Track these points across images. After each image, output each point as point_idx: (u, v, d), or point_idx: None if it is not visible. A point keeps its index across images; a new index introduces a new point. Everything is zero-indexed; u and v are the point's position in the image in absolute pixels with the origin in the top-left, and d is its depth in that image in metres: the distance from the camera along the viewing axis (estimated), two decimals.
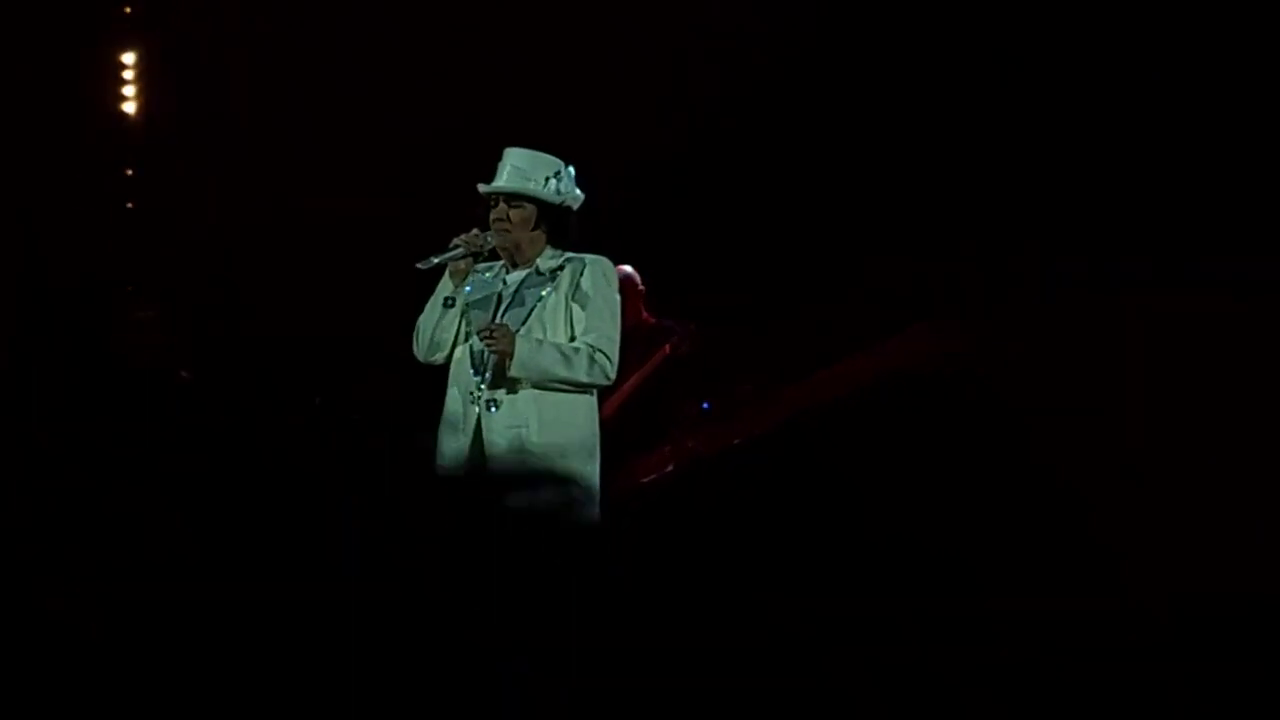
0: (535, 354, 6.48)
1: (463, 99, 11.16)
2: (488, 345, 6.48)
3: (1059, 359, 9.17)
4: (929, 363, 9.23)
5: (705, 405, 9.42)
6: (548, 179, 6.68)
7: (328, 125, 11.40)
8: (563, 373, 6.50)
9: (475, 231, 6.65)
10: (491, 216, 6.68)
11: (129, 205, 12.33)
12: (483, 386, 6.54)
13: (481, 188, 6.71)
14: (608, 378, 6.59)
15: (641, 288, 9.01)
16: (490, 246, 6.67)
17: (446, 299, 6.64)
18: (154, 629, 7.93)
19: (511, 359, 6.45)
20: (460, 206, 6.91)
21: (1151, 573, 8.55)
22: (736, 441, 9.22)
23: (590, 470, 6.59)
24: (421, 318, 6.73)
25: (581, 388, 6.56)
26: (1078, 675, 7.39)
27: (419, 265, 6.57)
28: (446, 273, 6.66)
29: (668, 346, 9.06)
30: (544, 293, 6.63)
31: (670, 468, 9.00)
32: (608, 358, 6.55)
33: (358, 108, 11.39)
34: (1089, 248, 9.60)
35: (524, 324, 6.58)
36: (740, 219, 10.59)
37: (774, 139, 10.69)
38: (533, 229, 6.69)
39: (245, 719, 7.18)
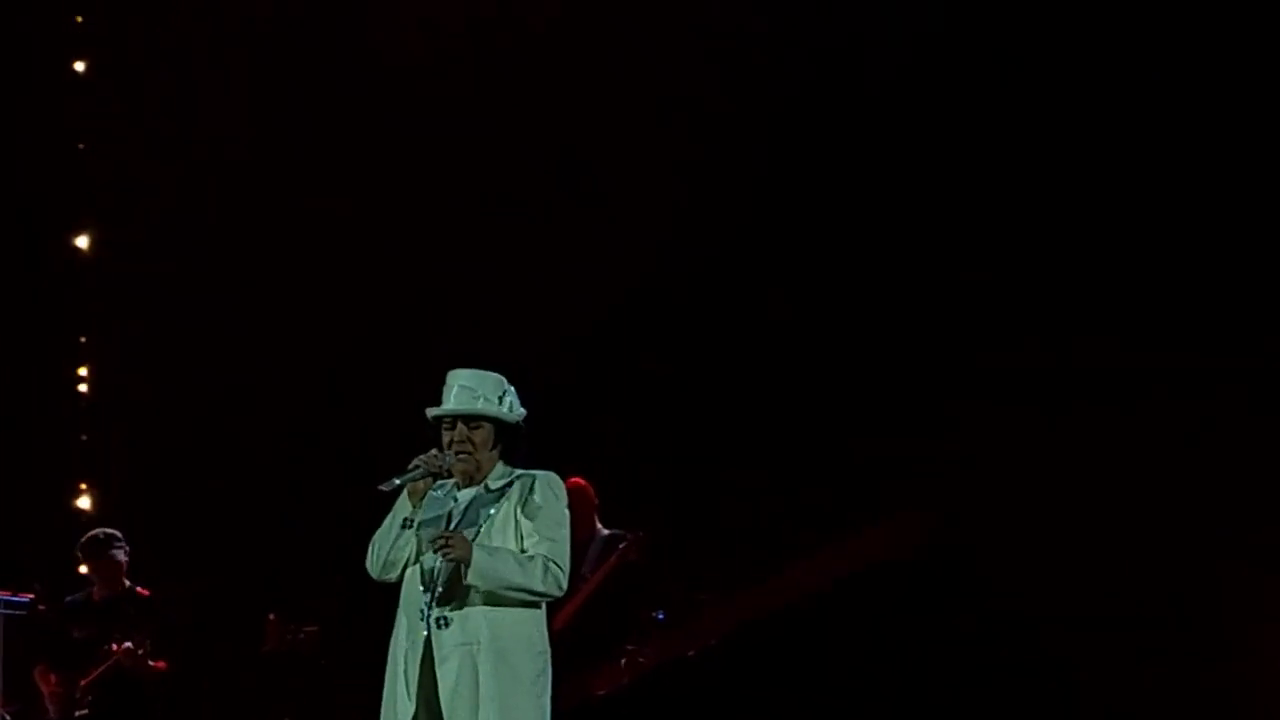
0: (492, 560, 6.45)
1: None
2: (444, 553, 6.44)
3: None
4: (883, 562, 9.24)
5: (660, 615, 9.40)
6: (501, 397, 6.71)
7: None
8: (519, 580, 6.47)
9: (434, 452, 6.64)
10: (451, 439, 6.67)
11: None
12: (433, 604, 6.51)
13: (437, 411, 6.71)
14: (560, 588, 6.55)
15: (594, 500, 9.05)
16: (449, 466, 6.66)
17: (406, 520, 6.61)
18: None
19: (469, 566, 6.43)
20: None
21: None
22: (691, 653, 9.19)
23: (541, 687, 6.53)
24: (378, 535, 6.69)
25: (535, 596, 6.52)
26: None
27: (381, 487, 6.56)
28: (404, 493, 6.63)
29: (617, 555, 9.08)
30: (493, 509, 6.62)
31: (625, 680, 8.97)
32: (560, 569, 6.53)
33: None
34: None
35: (475, 539, 6.55)
36: (692, 426, 10.61)
37: (713, 333, 10.73)
38: (491, 449, 6.71)
39: None
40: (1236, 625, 8.88)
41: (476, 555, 6.43)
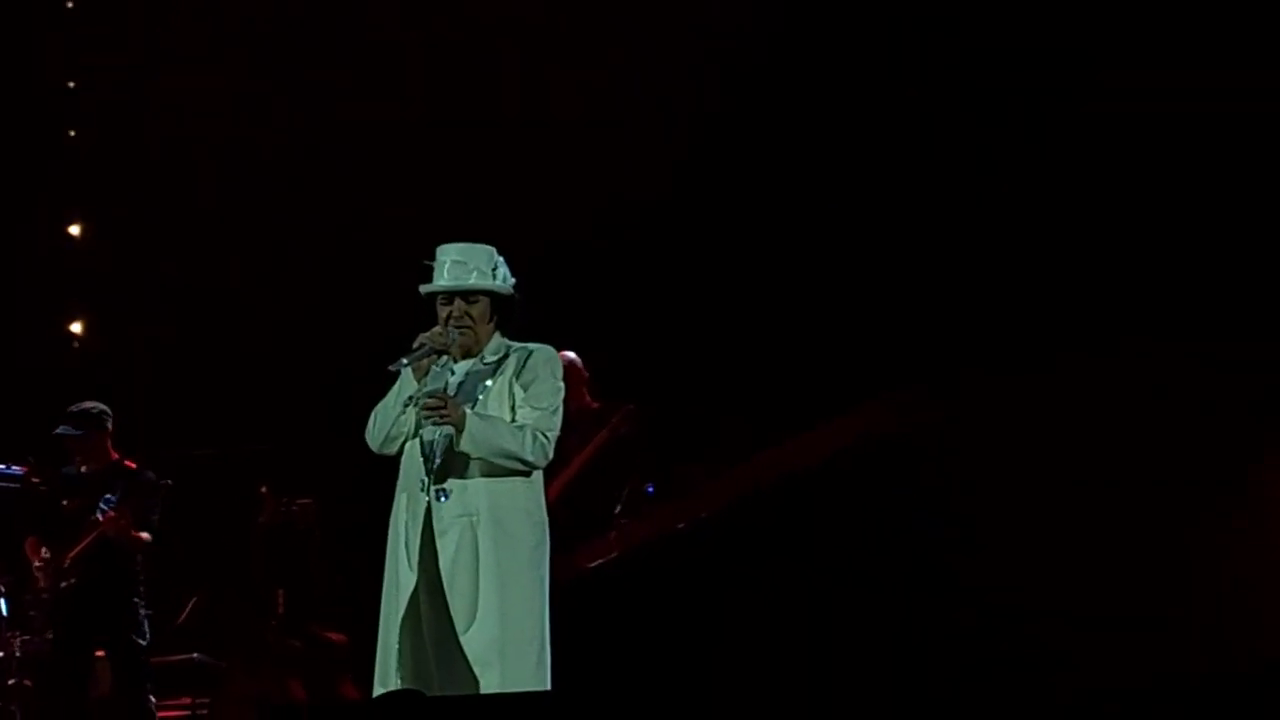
0: (484, 426, 6.51)
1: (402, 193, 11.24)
2: (437, 417, 6.49)
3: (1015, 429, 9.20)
4: (880, 439, 9.26)
5: (650, 489, 9.44)
6: (494, 269, 6.73)
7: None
8: (511, 446, 6.53)
9: (438, 329, 6.68)
10: (449, 315, 6.70)
11: None
12: (432, 477, 6.56)
13: (431, 287, 6.73)
14: (546, 457, 6.62)
15: (585, 374, 9.08)
16: (455, 342, 6.69)
17: (411, 398, 6.65)
18: None
19: (461, 432, 6.48)
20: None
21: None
22: (681, 525, 9.23)
23: (539, 557, 6.62)
24: (380, 407, 6.74)
25: (524, 465, 6.58)
26: None
27: (391, 368, 6.60)
28: (409, 371, 6.67)
29: (608, 428, 9.12)
30: (488, 381, 6.67)
31: (615, 553, 9.02)
32: (548, 439, 6.59)
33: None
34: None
35: (471, 409, 6.60)
36: (686, 300, 10.62)
37: (715, 218, 10.72)
38: (488, 322, 6.75)
39: None
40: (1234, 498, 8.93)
41: (469, 420, 6.49)
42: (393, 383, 6.72)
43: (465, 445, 6.49)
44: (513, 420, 6.62)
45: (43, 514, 9.66)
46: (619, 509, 9.16)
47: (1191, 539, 8.59)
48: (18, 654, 9.85)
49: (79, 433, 9.61)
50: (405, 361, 6.59)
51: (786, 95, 10.47)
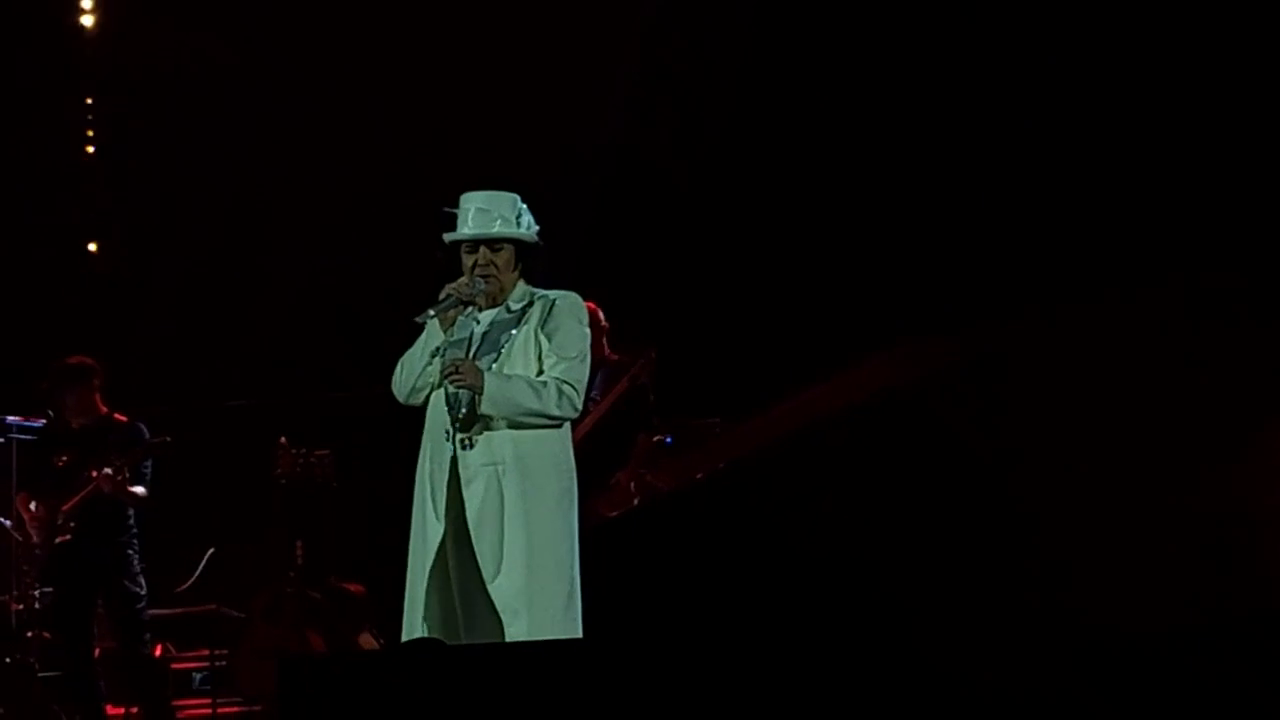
0: (504, 387, 6.48)
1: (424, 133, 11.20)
2: (454, 382, 6.47)
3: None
4: (896, 392, 9.26)
5: (668, 440, 9.45)
6: (518, 217, 6.70)
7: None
8: (534, 405, 6.50)
9: (464, 280, 6.64)
10: (474, 263, 6.66)
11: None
12: (457, 426, 6.53)
13: (455, 236, 6.69)
14: (575, 409, 6.59)
15: (605, 323, 9.08)
16: (481, 292, 6.66)
17: (437, 349, 6.62)
18: None
19: (481, 394, 6.46)
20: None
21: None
22: (699, 476, 9.24)
23: (567, 505, 6.61)
24: (406, 357, 6.71)
25: (551, 420, 6.56)
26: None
27: (417, 319, 6.57)
28: (435, 321, 6.65)
29: (628, 378, 9.12)
30: (514, 330, 6.63)
31: (635, 502, 9.03)
32: (575, 390, 6.56)
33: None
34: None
35: (496, 361, 6.58)
36: (707, 252, 10.60)
37: (734, 170, 10.70)
38: (513, 270, 6.71)
39: None
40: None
41: (488, 383, 6.46)
42: (418, 333, 6.70)
43: (486, 408, 6.46)
44: (539, 371, 6.59)
45: (32, 468, 9.67)
46: (634, 458, 9.18)
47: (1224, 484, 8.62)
48: (37, 606, 9.88)
49: (66, 387, 9.61)
50: (431, 313, 6.56)
51: (807, 41, 10.42)
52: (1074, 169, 9.71)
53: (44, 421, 9.93)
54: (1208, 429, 8.70)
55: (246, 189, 11.66)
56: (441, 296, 6.60)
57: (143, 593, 9.53)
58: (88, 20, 12.18)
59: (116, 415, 9.64)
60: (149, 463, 9.52)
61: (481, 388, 6.45)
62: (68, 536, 9.43)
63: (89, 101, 12.34)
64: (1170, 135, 9.46)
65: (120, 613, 9.50)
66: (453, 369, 6.46)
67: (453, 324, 6.64)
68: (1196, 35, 9.49)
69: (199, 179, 11.76)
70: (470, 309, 6.70)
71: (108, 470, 9.20)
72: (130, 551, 9.50)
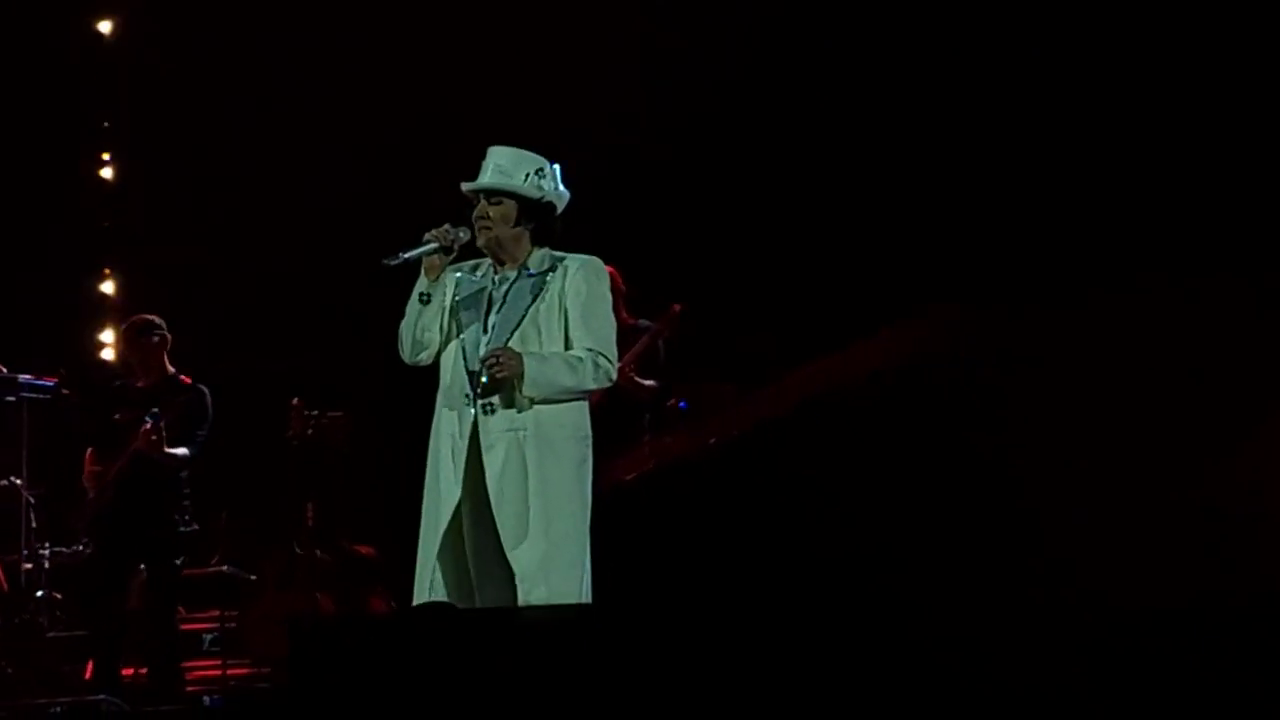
0: (544, 370, 6.41)
1: (443, 94, 11.13)
2: (496, 373, 6.39)
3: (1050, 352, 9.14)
4: (912, 359, 9.22)
5: (683, 404, 9.42)
6: (528, 175, 6.61)
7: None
8: (571, 383, 6.45)
9: (446, 226, 6.58)
10: (474, 215, 6.62)
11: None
12: (479, 390, 6.47)
13: (464, 186, 6.66)
14: (610, 379, 6.56)
15: (622, 287, 9.02)
16: (463, 241, 6.59)
17: (422, 295, 6.56)
18: None
19: (522, 380, 6.40)
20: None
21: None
22: (714, 440, 9.21)
23: (585, 472, 6.55)
24: (403, 321, 6.65)
25: (589, 394, 6.54)
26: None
27: (386, 261, 6.49)
28: (422, 269, 6.59)
29: (650, 334, 9.09)
30: (535, 295, 6.56)
31: (651, 465, 9.00)
32: (609, 360, 6.52)
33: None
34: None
35: (517, 328, 6.52)
36: (723, 218, 10.56)
37: (752, 138, 10.65)
38: (514, 226, 6.62)
39: None
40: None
41: (529, 368, 6.39)
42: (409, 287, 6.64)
43: (528, 390, 6.41)
44: (565, 340, 6.53)
45: (97, 426, 9.62)
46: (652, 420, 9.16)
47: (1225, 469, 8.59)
48: (46, 566, 9.85)
49: (133, 345, 9.58)
50: (404, 255, 6.49)
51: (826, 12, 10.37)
52: (1087, 161, 9.66)
53: (54, 381, 9.90)
54: (1210, 422, 8.67)
55: (258, 152, 11.60)
56: (423, 240, 6.54)
57: (179, 561, 9.45)
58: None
59: (182, 377, 9.60)
60: (204, 425, 9.45)
61: (523, 374, 6.39)
62: (111, 495, 9.38)
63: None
64: (1184, 131, 9.41)
65: (156, 579, 9.43)
66: (494, 360, 6.39)
67: (439, 272, 6.57)
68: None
69: (207, 156, 11.71)
70: (484, 265, 6.65)
71: (147, 428, 9.16)
72: (176, 516, 9.40)
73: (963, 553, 8.63)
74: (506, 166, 6.62)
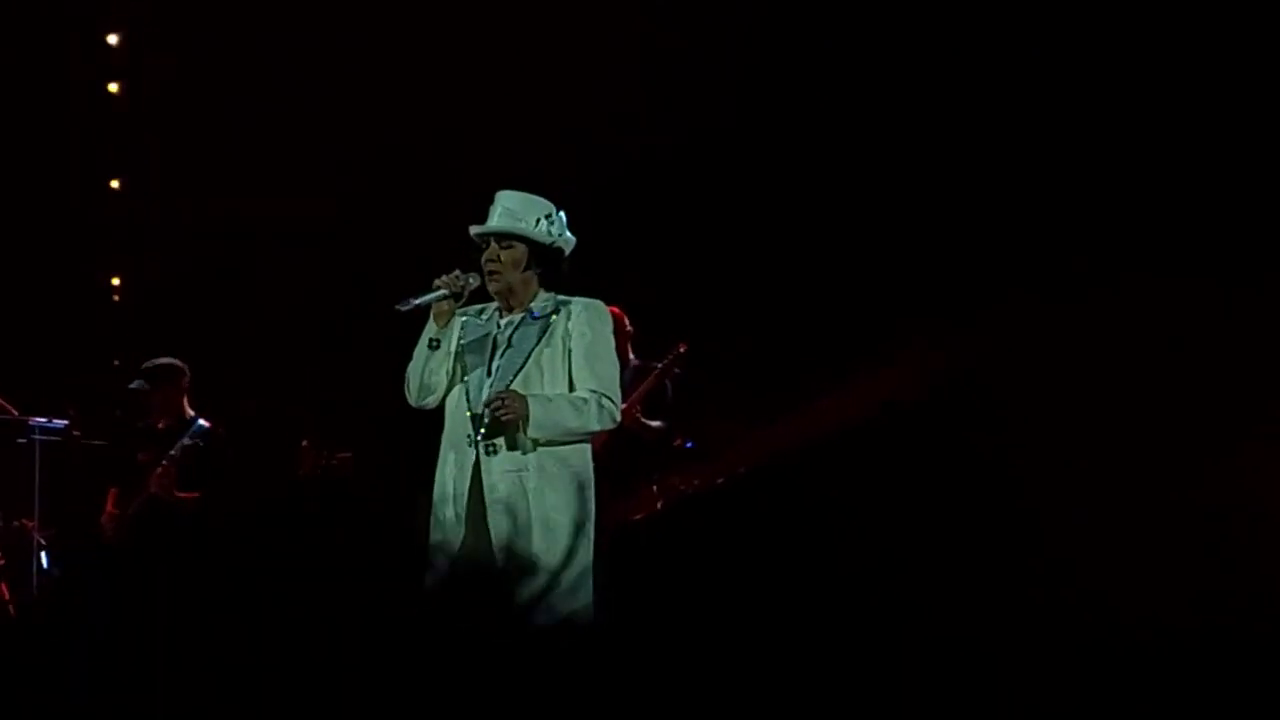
0: (549, 412, 6.45)
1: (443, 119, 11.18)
2: (501, 416, 6.42)
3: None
4: (916, 394, 9.27)
5: (689, 444, 9.47)
6: (539, 220, 6.66)
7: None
8: (575, 424, 6.49)
9: (456, 272, 6.62)
10: (483, 259, 6.67)
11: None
12: (482, 431, 6.52)
13: (473, 230, 6.73)
14: (614, 420, 6.58)
15: (629, 328, 9.09)
16: (473, 287, 6.62)
17: (431, 340, 6.61)
18: None
19: (527, 422, 6.44)
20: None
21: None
22: (720, 480, 9.26)
23: (586, 514, 6.58)
24: (410, 364, 6.69)
25: (593, 435, 6.58)
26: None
27: (398, 307, 6.53)
28: (430, 315, 6.65)
29: (658, 372, 9.14)
30: (540, 338, 6.61)
31: (659, 505, 9.04)
32: (614, 402, 6.55)
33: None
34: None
35: (521, 369, 6.56)
36: (725, 259, 10.60)
37: (752, 176, 10.69)
38: (524, 270, 6.67)
39: None
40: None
41: (533, 409, 6.42)
42: (423, 327, 6.69)
43: (533, 433, 6.44)
44: (569, 382, 6.58)
45: (118, 466, 9.66)
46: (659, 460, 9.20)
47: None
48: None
49: (152, 387, 9.64)
50: (414, 301, 6.54)
51: (833, 55, 10.42)
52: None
53: (65, 422, 9.95)
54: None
55: (257, 195, 11.64)
56: (432, 287, 6.58)
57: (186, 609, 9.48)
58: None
59: (202, 420, 9.65)
60: (222, 468, 9.50)
61: (528, 416, 6.43)
62: (127, 536, 9.43)
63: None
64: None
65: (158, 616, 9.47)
66: (499, 403, 6.43)
67: (448, 318, 6.62)
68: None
69: (213, 197, 11.75)
70: (489, 309, 6.70)
71: (158, 471, 9.22)
72: (187, 561, 9.44)
73: (976, 584, 8.69)
74: (517, 210, 6.66)
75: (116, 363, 11.20)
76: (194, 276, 11.95)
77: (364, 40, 11.21)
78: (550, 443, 6.50)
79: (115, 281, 12.41)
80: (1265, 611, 8.31)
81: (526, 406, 6.42)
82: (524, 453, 6.48)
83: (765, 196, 10.61)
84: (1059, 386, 9.21)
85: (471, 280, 6.62)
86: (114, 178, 12.32)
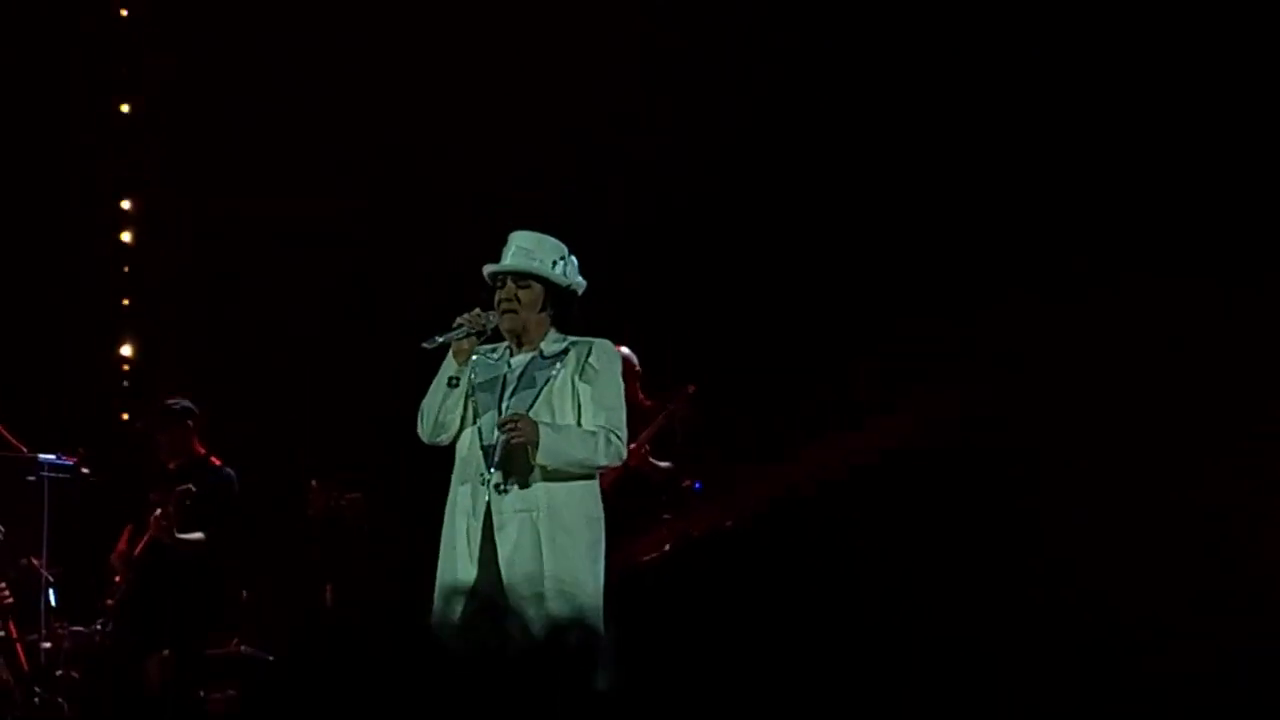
0: (558, 440, 6.50)
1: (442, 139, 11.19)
2: (511, 436, 6.47)
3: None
4: (922, 437, 9.26)
5: (697, 485, 9.46)
6: (555, 262, 6.73)
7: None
8: (583, 455, 6.54)
9: (478, 311, 6.68)
10: (499, 297, 6.72)
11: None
12: (493, 470, 6.56)
13: (489, 269, 6.76)
14: (621, 457, 6.64)
15: (638, 369, 9.09)
16: (494, 326, 6.69)
17: (451, 379, 6.65)
18: None
19: (536, 447, 6.47)
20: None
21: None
22: (729, 523, 9.25)
23: (596, 554, 6.63)
24: (426, 399, 6.74)
25: (599, 469, 6.61)
26: None
27: (424, 345, 6.60)
28: (450, 353, 6.68)
29: (664, 413, 9.14)
30: (549, 377, 6.65)
31: (667, 547, 9.04)
32: (620, 438, 6.60)
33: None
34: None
35: (531, 406, 6.61)
36: (733, 299, 10.59)
37: (761, 220, 10.68)
38: (539, 311, 6.73)
39: None
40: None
41: (543, 435, 6.48)
42: (435, 366, 6.72)
43: (541, 460, 6.49)
44: (578, 418, 6.60)
45: (136, 505, 9.69)
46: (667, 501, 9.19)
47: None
48: (66, 645, 9.88)
49: (162, 428, 9.66)
50: (439, 339, 6.60)
51: (838, 89, 10.42)
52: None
53: (74, 460, 9.96)
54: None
55: (273, 230, 11.64)
56: (453, 325, 6.63)
57: (200, 643, 9.47)
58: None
59: (213, 459, 9.66)
60: (229, 509, 9.52)
61: (537, 441, 6.46)
62: (133, 577, 9.44)
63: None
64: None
65: (179, 662, 9.44)
66: (511, 424, 6.46)
67: (468, 357, 6.64)
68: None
69: (222, 234, 11.76)
70: (500, 348, 6.73)
71: (158, 513, 9.24)
72: (202, 599, 9.44)
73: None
74: (533, 250, 6.73)
75: (126, 416, 11.14)
76: (203, 310, 11.93)
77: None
78: (561, 482, 6.54)
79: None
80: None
81: (537, 432, 6.46)
82: (534, 492, 6.53)
83: (766, 217, 10.57)
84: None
85: (491, 318, 6.69)
86: (124, 197, 12.29)
